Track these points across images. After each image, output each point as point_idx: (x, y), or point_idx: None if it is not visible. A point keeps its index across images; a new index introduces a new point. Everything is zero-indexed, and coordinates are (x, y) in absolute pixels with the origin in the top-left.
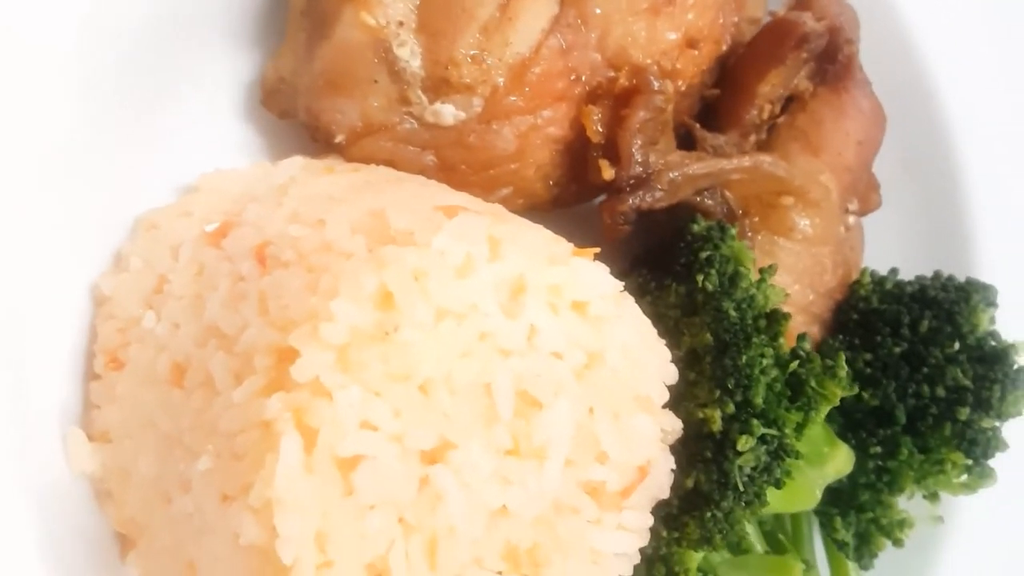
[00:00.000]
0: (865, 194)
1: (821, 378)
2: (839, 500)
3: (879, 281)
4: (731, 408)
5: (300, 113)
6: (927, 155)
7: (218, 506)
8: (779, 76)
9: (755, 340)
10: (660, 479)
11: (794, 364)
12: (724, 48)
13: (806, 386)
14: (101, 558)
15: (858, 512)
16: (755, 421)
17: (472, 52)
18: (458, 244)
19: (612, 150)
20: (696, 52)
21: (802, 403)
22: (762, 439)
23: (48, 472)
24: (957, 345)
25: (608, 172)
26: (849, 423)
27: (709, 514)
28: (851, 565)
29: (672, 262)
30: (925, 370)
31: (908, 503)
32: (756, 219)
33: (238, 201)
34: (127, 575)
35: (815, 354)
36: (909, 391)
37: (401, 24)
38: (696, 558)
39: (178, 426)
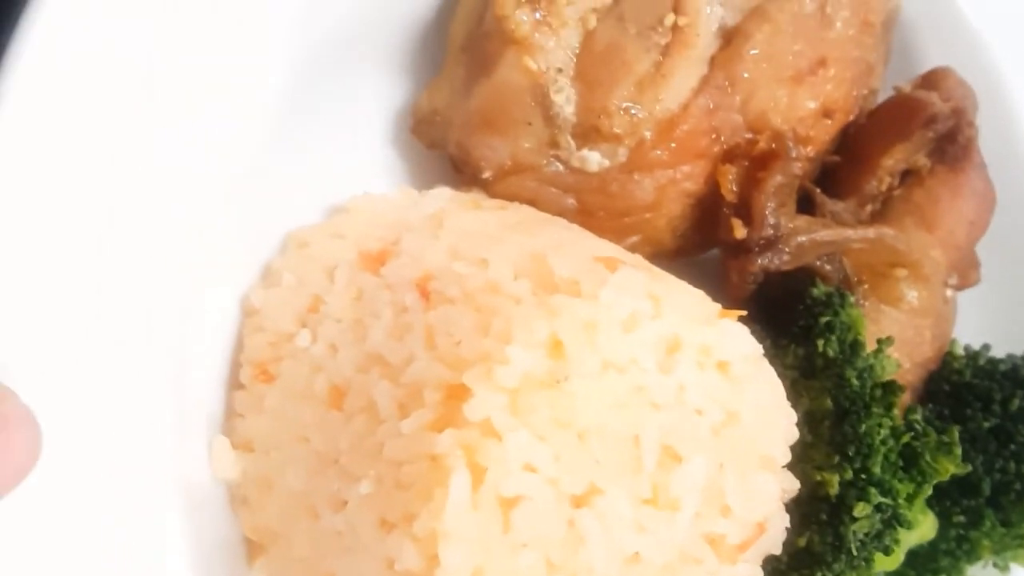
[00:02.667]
0: (965, 271)
1: (936, 453)
2: (916, 563)
3: (972, 356)
4: (849, 474)
5: (450, 146)
6: (1018, 234)
7: (376, 530)
8: (903, 151)
9: (874, 409)
10: (775, 536)
11: (907, 436)
12: (851, 118)
13: (920, 459)
14: (230, 560)
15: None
16: (872, 489)
17: (625, 104)
18: (623, 299)
19: (744, 209)
20: (829, 122)
21: (914, 475)
22: (877, 507)
23: (194, 476)
24: None
25: (740, 231)
26: (935, 491)
27: (819, 574)
28: None
29: (788, 322)
30: (1012, 447)
31: (975, 570)
32: (866, 286)
33: (391, 228)
34: None
35: (930, 428)
36: (996, 466)
37: (560, 71)
38: None
39: (335, 447)
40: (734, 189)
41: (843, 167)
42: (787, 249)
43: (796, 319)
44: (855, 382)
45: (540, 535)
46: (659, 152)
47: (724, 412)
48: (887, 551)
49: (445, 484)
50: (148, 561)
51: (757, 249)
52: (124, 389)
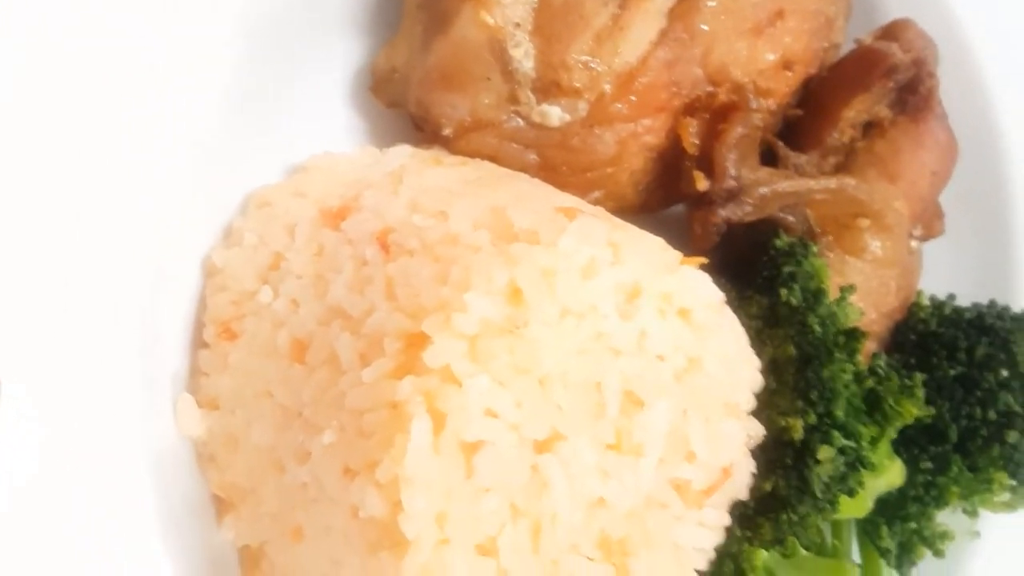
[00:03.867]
0: (929, 221)
1: (898, 396)
2: (886, 509)
3: (938, 305)
4: (813, 419)
5: (410, 104)
6: (983, 186)
7: (339, 479)
8: (864, 103)
9: (837, 355)
10: (741, 481)
11: (871, 380)
12: (812, 71)
13: (884, 403)
14: (199, 518)
15: (902, 522)
16: (836, 432)
17: (583, 58)
18: (582, 246)
19: (706, 162)
20: (790, 74)
21: (878, 418)
22: (841, 450)
23: (161, 435)
24: (1008, 372)
25: (702, 183)
26: (902, 438)
27: (785, 517)
28: (889, 571)
29: (753, 274)
30: (978, 393)
31: (945, 516)
32: (830, 238)
33: (351, 186)
34: (221, 536)
35: (893, 372)
36: (962, 412)
37: (518, 25)
38: (762, 556)
39: (298, 400)
40: (695, 142)
41: (805, 120)
42: (749, 200)
43: (760, 270)
44: (817, 329)
45: (503, 480)
46: (619, 106)
47: (686, 359)
48: (851, 493)
49: (406, 430)
50: (117, 521)
51: (720, 201)
52: (89, 352)
